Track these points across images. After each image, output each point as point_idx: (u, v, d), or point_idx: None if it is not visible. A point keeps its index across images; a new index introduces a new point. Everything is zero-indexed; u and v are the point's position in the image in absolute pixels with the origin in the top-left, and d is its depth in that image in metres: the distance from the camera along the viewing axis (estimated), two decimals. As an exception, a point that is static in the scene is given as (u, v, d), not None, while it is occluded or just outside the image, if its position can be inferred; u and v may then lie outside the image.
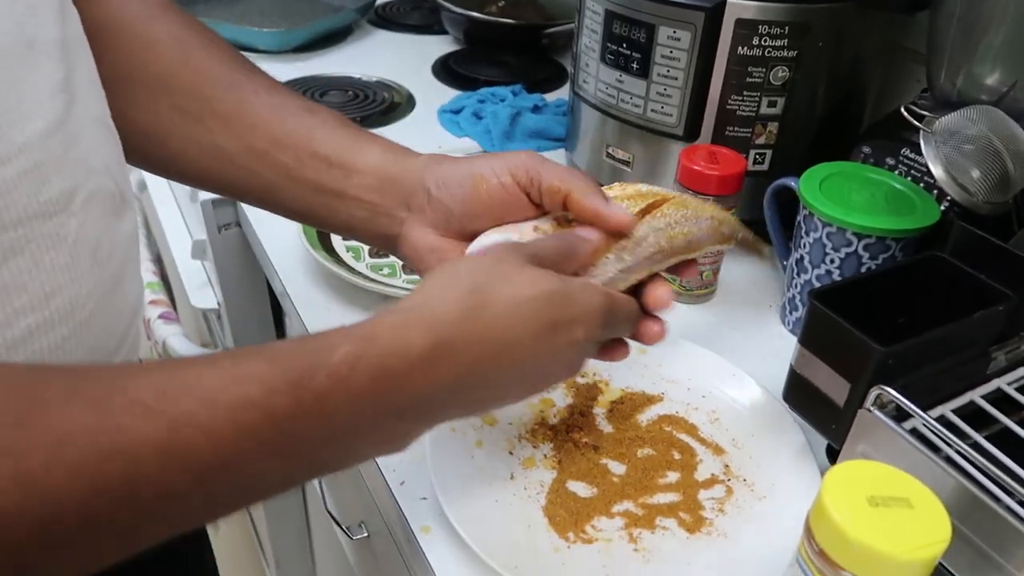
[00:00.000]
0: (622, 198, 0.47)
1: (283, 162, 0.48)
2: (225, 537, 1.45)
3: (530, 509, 0.49)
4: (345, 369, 0.34)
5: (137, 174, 1.24)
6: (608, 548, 0.47)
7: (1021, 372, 0.51)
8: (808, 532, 0.37)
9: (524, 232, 0.45)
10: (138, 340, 0.48)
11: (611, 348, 0.46)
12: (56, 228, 0.36)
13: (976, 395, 0.49)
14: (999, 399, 0.49)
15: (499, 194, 0.46)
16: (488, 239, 0.45)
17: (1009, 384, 0.50)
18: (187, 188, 0.92)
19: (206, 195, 0.79)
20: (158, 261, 1.16)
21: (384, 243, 0.49)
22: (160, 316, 1.04)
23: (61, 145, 0.37)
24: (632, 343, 0.47)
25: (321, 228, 0.51)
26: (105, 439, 0.29)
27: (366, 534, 0.67)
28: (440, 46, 1.19)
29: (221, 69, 0.49)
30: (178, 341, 1.00)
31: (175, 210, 1.08)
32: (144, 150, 0.49)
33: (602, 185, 0.47)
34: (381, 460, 0.52)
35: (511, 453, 0.52)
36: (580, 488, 0.50)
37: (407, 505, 0.50)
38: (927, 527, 0.35)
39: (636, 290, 0.46)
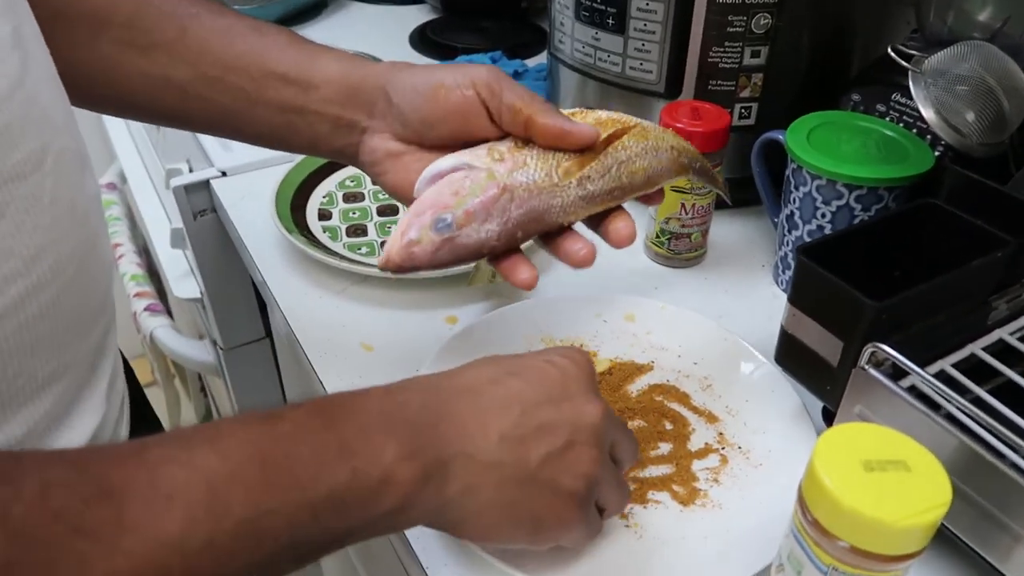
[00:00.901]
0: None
1: (239, 85, 0.46)
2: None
3: (517, 489, 0.47)
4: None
5: (116, 165, 1.22)
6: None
7: (1023, 321, 0.49)
8: (801, 501, 0.35)
9: (478, 156, 0.44)
10: (114, 304, 0.47)
11: None
12: (32, 189, 0.35)
13: (977, 347, 0.47)
14: (1002, 350, 0.47)
15: (459, 103, 0.44)
16: (441, 164, 0.44)
17: (1011, 334, 0.48)
18: (162, 175, 0.89)
19: (177, 181, 0.76)
20: (143, 253, 1.14)
21: (345, 155, 0.49)
22: (146, 308, 1.02)
23: (23, 104, 0.35)
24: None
25: (282, 149, 0.50)
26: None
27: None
28: (418, 15, 1.16)
29: None
30: (165, 333, 0.99)
31: (155, 199, 1.06)
32: (92, 90, 0.47)
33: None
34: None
35: (496, 432, 0.51)
36: (569, 464, 0.48)
37: (391, 491, 0.48)
38: (926, 491, 0.33)
39: (594, 220, 0.46)
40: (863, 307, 0.42)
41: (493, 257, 0.45)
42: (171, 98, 0.47)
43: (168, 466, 0.29)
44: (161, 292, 1.09)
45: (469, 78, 0.45)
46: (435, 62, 0.98)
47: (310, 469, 0.31)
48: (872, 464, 0.34)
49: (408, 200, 0.46)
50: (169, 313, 1.08)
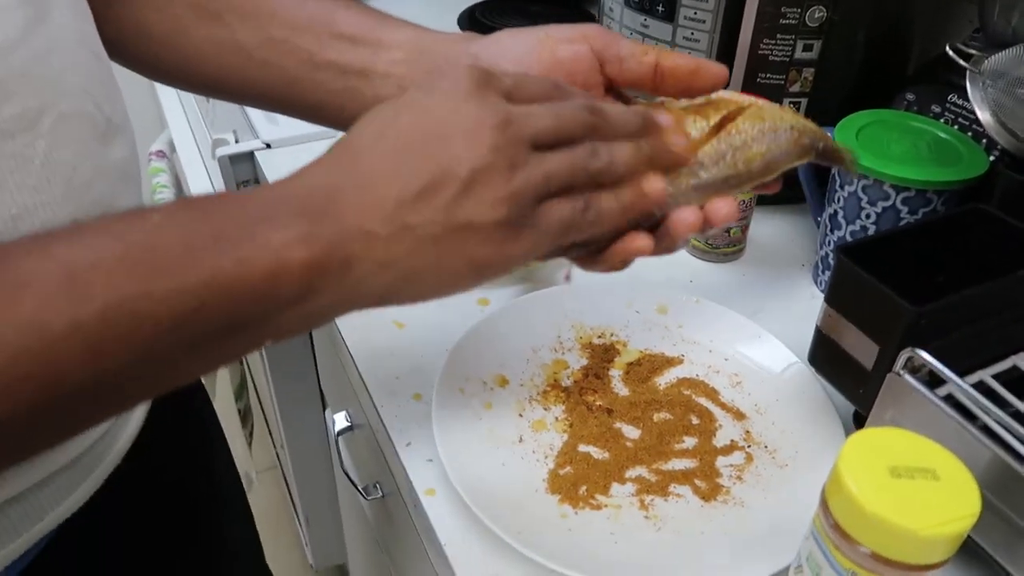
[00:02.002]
0: (691, 109, 0.42)
1: (304, 48, 0.45)
2: (261, 494, 1.47)
3: (537, 473, 0.47)
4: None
5: (166, 134, 1.24)
6: (617, 515, 0.45)
7: (1072, 335, 0.47)
8: (824, 504, 0.35)
9: None
10: None
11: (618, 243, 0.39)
12: (20, 148, 0.35)
13: (1021, 359, 0.45)
14: (1047, 364, 0.46)
15: (567, 57, 0.42)
16: None
17: (1058, 348, 0.46)
18: (210, 144, 0.91)
19: (223, 151, 0.78)
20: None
21: None
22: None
23: (23, 62, 0.35)
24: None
25: (336, 124, 0.48)
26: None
27: (381, 494, 0.66)
28: (467, -3, 1.16)
29: None
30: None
31: (202, 169, 1.08)
32: (160, 57, 0.48)
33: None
34: (388, 420, 0.51)
35: (521, 415, 0.51)
36: (591, 452, 0.48)
37: (413, 467, 0.49)
38: (953, 500, 0.32)
39: None
40: (901, 311, 0.41)
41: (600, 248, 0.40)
42: (234, 63, 0.47)
43: (22, 258, 0.28)
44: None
45: (579, 32, 0.42)
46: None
47: (181, 256, 0.30)
48: (899, 470, 0.33)
49: None
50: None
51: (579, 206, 0.36)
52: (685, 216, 0.39)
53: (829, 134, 0.45)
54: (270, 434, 1.33)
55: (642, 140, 0.38)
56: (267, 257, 0.31)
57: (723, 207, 0.40)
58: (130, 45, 0.41)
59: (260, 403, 1.31)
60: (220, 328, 0.31)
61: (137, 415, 0.48)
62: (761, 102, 0.43)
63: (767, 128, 0.42)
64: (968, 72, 0.48)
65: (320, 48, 0.45)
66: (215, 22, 0.46)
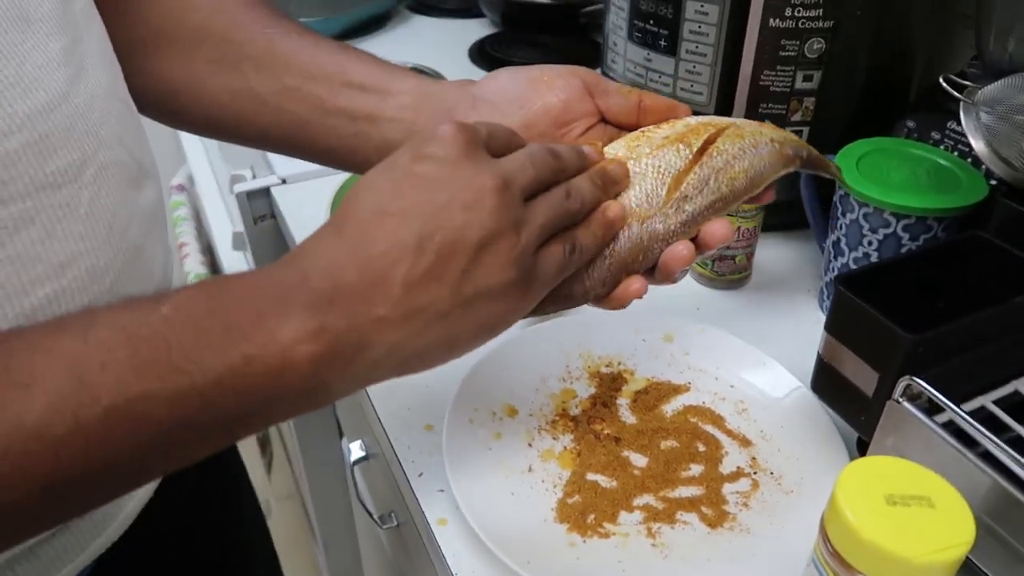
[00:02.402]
0: (673, 138, 0.43)
1: (316, 94, 0.48)
2: (279, 521, 1.48)
3: (547, 502, 0.48)
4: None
5: (186, 168, 1.28)
6: (625, 542, 0.46)
7: (1073, 359, 0.47)
8: (823, 532, 0.35)
9: None
10: None
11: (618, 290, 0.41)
12: (67, 199, 0.37)
13: (1022, 384, 0.46)
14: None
15: (560, 85, 0.44)
16: None
17: (1059, 372, 0.47)
18: (227, 179, 0.93)
19: (240, 187, 0.80)
20: (207, 252, 1.19)
21: None
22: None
23: (67, 117, 0.37)
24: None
25: (348, 166, 0.50)
26: None
27: (396, 523, 0.67)
28: (479, 30, 1.18)
29: (253, 15, 0.49)
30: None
31: (220, 202, 1.10)
32: (178, 107, 0.50)
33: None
34: (400, 451, 0.52)
35: (530, 445, 0.52)
36: (599, 481, 0.49)
37: (425, 497, 0.50)
38: (948, 528, 0.32)
39: None
40: (899, 339, 0.41)
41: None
42: (250, 110, 0.49)
43: (28, 354, 0.28)
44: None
45: (570, 70, 0.45)
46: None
47: (192, 355, 0.30)
48: (895, 498, 0.33)
49: None
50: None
51: (568, 247, 0.37)
52: (678, 251, 0.41)
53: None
54: (289, 462, 1.34)
55: (590, 172, 0.40)
56: (276, 354, 0.31)
57: (718, 230, 0.42)
58: (153, 97, 0.43)
59: (279, 431, 1.32)
60: (226, 420, 0.31)
61: None
62: (739, 121, 0.44)
63: (747, 145, 0.43)
64: (962, 103, 0.49)
65: (331, 95, 0.47)
66: (232, 72, 0.49)
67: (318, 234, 0.35)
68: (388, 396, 0.57)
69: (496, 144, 0.37)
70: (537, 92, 0.45)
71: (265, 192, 0.81)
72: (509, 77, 0.46)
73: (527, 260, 0.35)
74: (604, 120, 0.46)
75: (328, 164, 0.51)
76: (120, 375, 0.29)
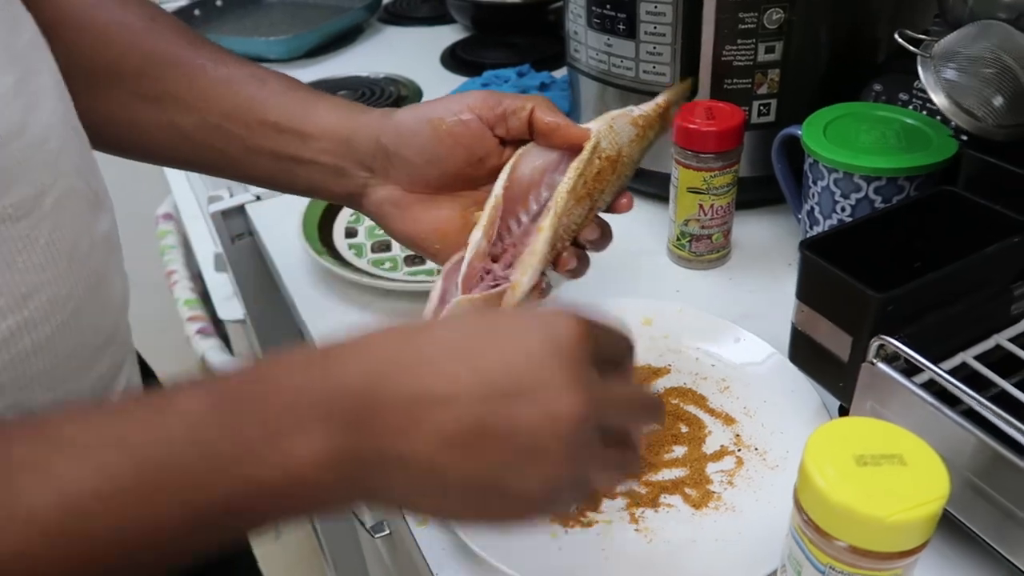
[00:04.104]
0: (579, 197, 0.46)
1: (236, 133, 0.48)
2: (290, 539, 1.47)
3: (527, 495, 0.47)
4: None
5: (171, 197, 1.27)
6: (608, 530, 0.45)
7: (1055, 309, 0.46)
8: (796, 501, 0.34)
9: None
10: (127, 336, 0.48)
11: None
12: (27, 231, 0.37)
13: (1003, 338, 0.45)
14: (1035, 340, 0.45)
15: (460, 131, 0.46)
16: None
17: (1041, 323, 0.45)
18: (204, 201, 0.93)
19: (215, 207, 0.79)
20: (196, 278, 1.19)
21: (347, 202, 0.50)
22: (198, 331, 1.06)
23: (24, 150, 0.37)
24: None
25: (287, 192, 0.52)
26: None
27: (387, 531, 0.66)
28: (451, 35, 1.18)
29: (168, 48, 0.49)
30: (215, 355, 1.02)
31: (204, 227, 1.10)
32: (111, 137, 0.50)
33: None
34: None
35: (509, 439, 0.51)
36: (581, 470, 0.48)
37: (405, 499, 0.49)
38: (921, 484, 0.31)
39: None
40: (867, 299, 0.40)
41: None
42: (180, 144, 0.49)
43: (25, 475, 0.26)
44: (216, 315, 1.13)
45: (463, 104, 0.46)
46: (465, 79, 1.00)
47: (199, 479, 0.28)
48: (865, 459, 0.32)
49: (417, 247, 0.48)
50: (224, 335, 1.11)
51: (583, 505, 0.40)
52: (564, 260, 0.46)
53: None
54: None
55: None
56: (286, 477, 0.29)
57: (620, 207, 0.48)
58: (89, 128, 0.43)
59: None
60: (227, 534, 0.30)
61: None
62: (593, 126, 0.47)
63: (623, 167, 0.48)
64: (919, 58, 0.48)
65: (251, 135, 0.48)
66: (154, 106, 0.48)
67: (361, 343, 0.32)
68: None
69: (604, 352, 0.33)
70: (443, 144, 0.46)
71: (240, 210, 0.81)
72: (414, 121, 0.46)
73: (562, 494, 0.32)
74: (505, 143, 0.48)
75: (267, 188, 0.52)
76: (121, 509, 0.27)
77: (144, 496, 0.28)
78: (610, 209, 0.49)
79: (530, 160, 0.47)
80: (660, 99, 0.50)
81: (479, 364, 0.30)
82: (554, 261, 0.47)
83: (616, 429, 0.34)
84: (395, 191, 0.48)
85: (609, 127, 0.47)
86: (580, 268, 0.48)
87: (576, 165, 0.45)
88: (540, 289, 0.46)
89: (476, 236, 0.45)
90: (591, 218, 0.47)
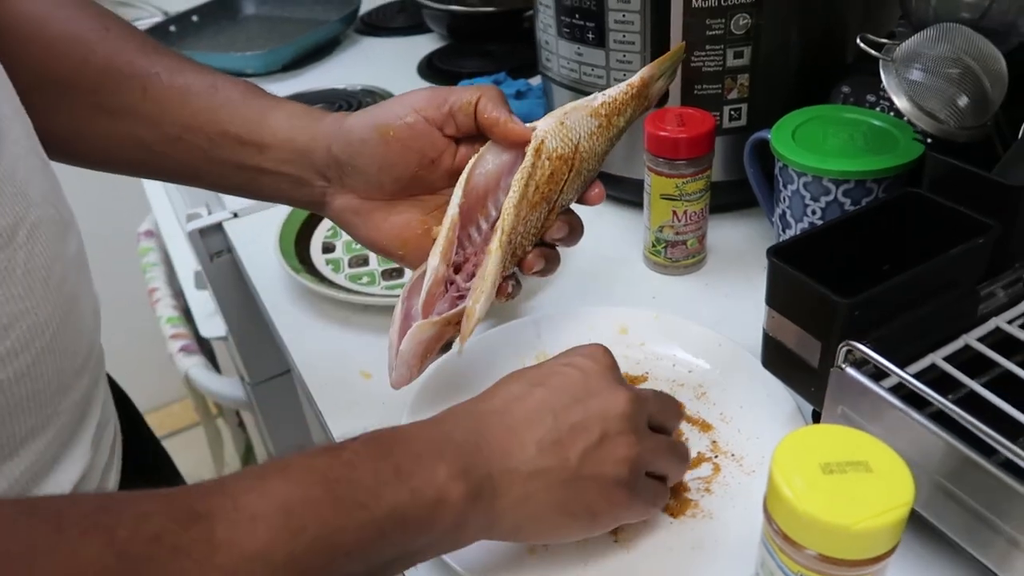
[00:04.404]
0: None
1: (198, 145, 0.48)
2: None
3: (506, 508, 0.47)
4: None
5: (151, 216, 1.27)
6: (586, 541, 0.45)
7: (1022, 308, 0.47)
8: (766, 511, 0.34)
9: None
10: (101, 356, 0.48)
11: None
12: (3, 262, 0.37)
13: (971, 338, 0.45)
14: (1002, 340, 0.45)
15: (408, 135, 0.46)
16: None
17: (1009, 322, 0.46)
18: (184, 219, 0.93)
19: (193, 225, 0.79)
20: (179, 295, 1.18)
21: (313, 209, 0.51)
22: (181, 349, 1.06)
23: None
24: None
25: (258, 199, 0.52)
26: None
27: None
28: (428, 45, 1.18)
29: (122, 59, 0.48)
30: (198, 372, 1.02)
31: (184, 244, 1.10)
32: (70, 149, 0.50)
33: None
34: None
35: (487, 452, 0.51)
36: (559, 481, 0.48)
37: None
38: (887, 491, 0.32)
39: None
40: (834, 305, 0.41)
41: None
42: (140, 155, 0.49)
43: (247, 494, 0.32)
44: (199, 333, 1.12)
45: (408, 107, 0.46)
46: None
47: (372, 490, 0.34)
48: (831, 466, 0.33)
49: (383, 253, 0.49)
50: (209, 352, 1.11)
51: (666, 486, 0.44)
52: (529, 262, 0.48)
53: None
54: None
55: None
56: (434, 488, 0.36)
57: (591, 199, 0.50)
58: (48, 141, 0.43)
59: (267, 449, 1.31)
60: (389, 558, 0.35)
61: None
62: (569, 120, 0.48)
63: (586, 168, 0.48)
64: (881, 61, 0.48)
65: (211, 146, 0.48)
66: (111, 119, 0.48)
67: (464, 410, 0.41)
68: (345, 412, 0.56)
69: (655, 418, 0.44)
70: (392, 150, 0.46)
71: (219, 228, 0.80)
72: (362, 128, 0.47)
73: (638, 467, 0.41)
74: (460, 140, 0.48)
75: (234, 195, 0.52)
76: (320, 510, 0.33)
77: (333, 503, 0.33)
78: (581, 201, 0.49)
79: (484, 165, 0.46)
80: (635, 78, 0.50)
81: (550, 387, 0.41)
82: (520, 264, 0.47)
83: (660, 417, 0.44)
84: (353, 199, 0.48)
85: (560, 124, 0.46)
86: (549, 267, 0.49)
87: (519, 176, 0.45)
88: (507, 294, 0.46)
89: (434, 262, 0.45)
90: (553, 219, 0.47)
